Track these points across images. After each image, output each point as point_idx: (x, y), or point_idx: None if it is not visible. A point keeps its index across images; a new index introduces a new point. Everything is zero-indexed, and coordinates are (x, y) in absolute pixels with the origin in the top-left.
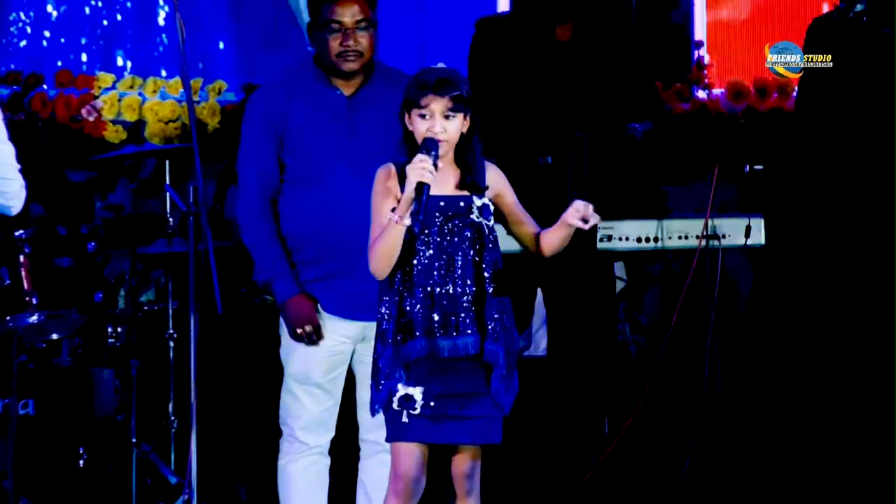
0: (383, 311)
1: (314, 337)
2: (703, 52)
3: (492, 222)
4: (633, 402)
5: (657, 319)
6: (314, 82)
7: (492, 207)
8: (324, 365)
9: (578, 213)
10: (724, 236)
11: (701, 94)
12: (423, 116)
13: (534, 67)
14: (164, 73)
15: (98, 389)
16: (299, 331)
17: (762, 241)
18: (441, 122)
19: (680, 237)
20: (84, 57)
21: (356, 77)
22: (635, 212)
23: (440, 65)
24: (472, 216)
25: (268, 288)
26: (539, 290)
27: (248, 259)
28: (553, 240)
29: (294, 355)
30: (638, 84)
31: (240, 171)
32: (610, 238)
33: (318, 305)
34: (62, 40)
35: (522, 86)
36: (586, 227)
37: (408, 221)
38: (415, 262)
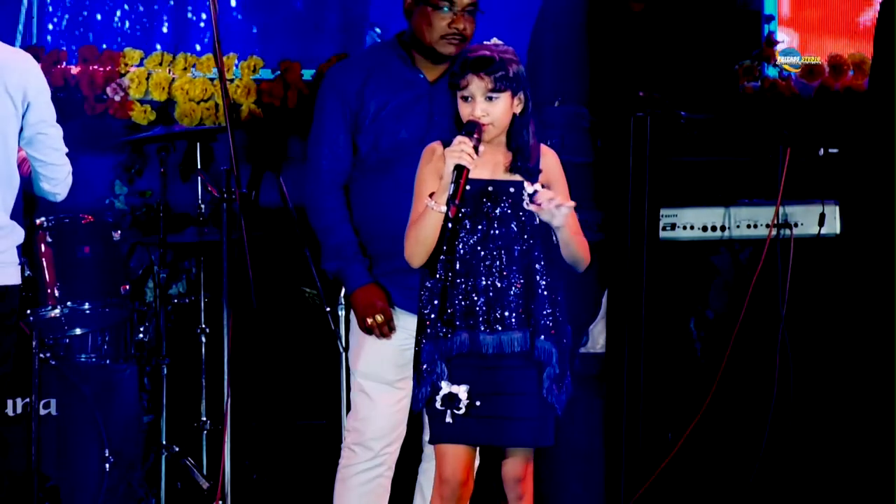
0: (424, 300)
1: (385, 328)
2: (773, 27)
3: None
4: (698, 403)
5: (724, 314)
6: (396, 63)
7: None
8: (395, 361)
9: (540, 205)
10: (796, 225)
11: (771, 71)
12: (465, 99)
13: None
14: (197, 47)
15: (120, 388)
16: (369, 321)
17: (837, 229)
18: (482, 105)
19: (749, 226)
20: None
21: (444, 62)
22: (700, 198)
23: (493, 40)
24: (522, 203)
25: (338, 276)
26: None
27: (281, 250)
28: (561, 246)
29: (363, 352)
30: (709, 65)
31: (310, 153)
32: (673, 227)
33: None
34: (98, 17)
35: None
36: (554, 215)
37: (443, 208)
38: (459, 249)
